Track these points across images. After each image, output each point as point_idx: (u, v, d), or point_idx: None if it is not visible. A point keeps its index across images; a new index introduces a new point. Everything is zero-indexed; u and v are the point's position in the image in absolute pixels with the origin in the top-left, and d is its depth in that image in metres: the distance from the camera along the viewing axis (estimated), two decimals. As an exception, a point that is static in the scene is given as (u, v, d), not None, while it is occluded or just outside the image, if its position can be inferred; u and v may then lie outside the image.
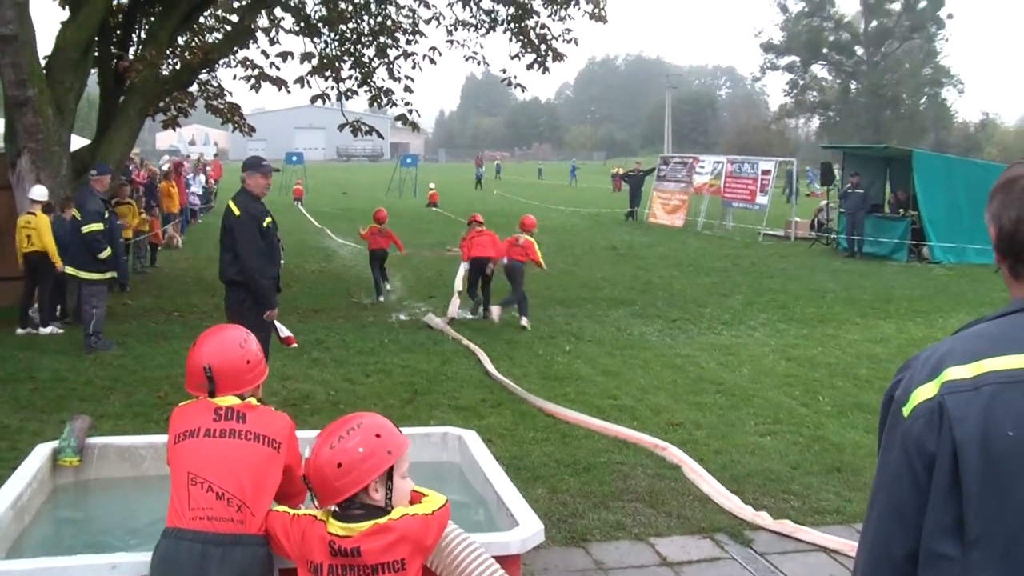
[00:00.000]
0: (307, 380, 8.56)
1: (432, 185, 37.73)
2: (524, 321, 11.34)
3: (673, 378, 8.95)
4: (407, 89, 14.22)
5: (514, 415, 7.48)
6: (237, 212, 6.72)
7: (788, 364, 9.66)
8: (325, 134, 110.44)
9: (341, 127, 14.19)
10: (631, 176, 30.88)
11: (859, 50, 79.32)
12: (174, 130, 13.39)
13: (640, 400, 8.12)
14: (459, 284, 12.36)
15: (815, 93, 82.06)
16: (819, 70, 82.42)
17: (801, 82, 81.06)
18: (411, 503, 2.71)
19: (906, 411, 1.48)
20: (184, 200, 20.67)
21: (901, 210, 20.50)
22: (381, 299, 13.31)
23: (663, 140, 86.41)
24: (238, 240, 6.68)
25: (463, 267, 12.19)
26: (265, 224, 6.81)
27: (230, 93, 14.40)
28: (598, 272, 16.80)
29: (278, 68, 13.09)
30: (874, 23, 77.14)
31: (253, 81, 12.36)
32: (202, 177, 25.28)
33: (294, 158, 42.85)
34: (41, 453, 3.92)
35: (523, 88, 15.42)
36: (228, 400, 3.07)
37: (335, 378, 8.68)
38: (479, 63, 15.03)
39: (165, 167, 20.82)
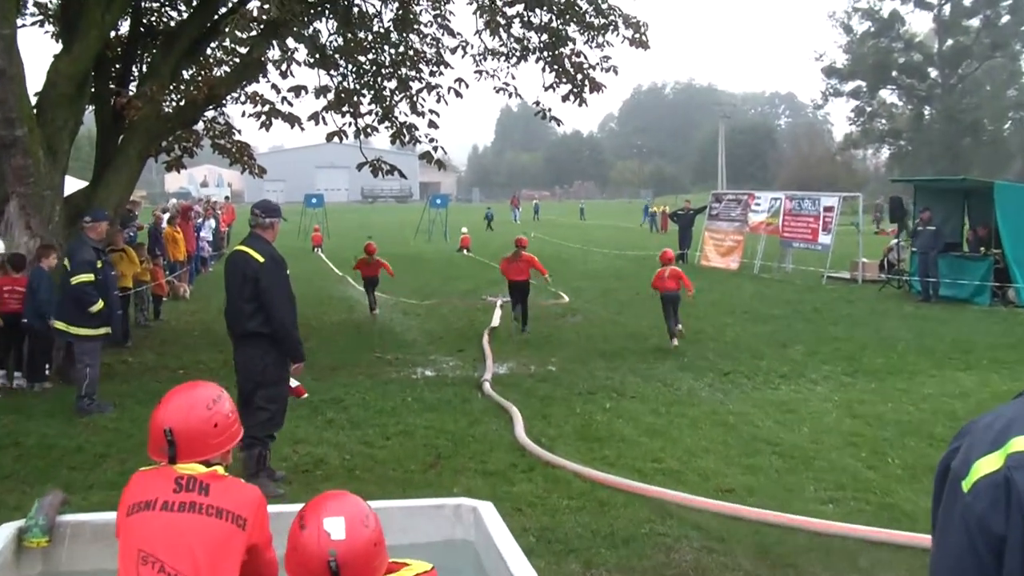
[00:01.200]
0: (321, 443, 8.56)
1: (464, 229, 38.00)
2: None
3: (724, 438, 8.84)
4: (432, 124, 14.35)
5: (547, 481, 7.42)
6: (261, 259, 6.88)
7: (854, 422, 9.50)
8: (348, 173, 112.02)
9: (360, 166, 14.31)
10: (680, 215, 30.86)
11: (933, 72, 78.31)
12: (178, 172, 13.60)
13: (687, 463, 8.02)
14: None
15: (884, 120, 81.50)
16: (888, 95, 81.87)
17: (868, 109, 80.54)
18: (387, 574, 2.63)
19: (966, 485, 1.39)
20: (192, 247, 20.95)
21: (982, 248, 20.15)
22: (376, 312, 17.68)
23: (716, 175, 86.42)
24: (268, 289, 6.84)
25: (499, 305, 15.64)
26: (288, 272, 7.06)
27: (238, 131, 14.62)
28: (644, 320, 16.70)
29: (291, 104, 13.29)
30: (949, 42, 75.96)
31: (263, 118, 12.51)
32: (212, 222, 25.62)
33: (313, 200, 43.39)
34: (4, 534, 3.69)
35: (558, 122, 15.49)
36: (191, 468, 2.98)
37: (351, 441, 8.67)
38: (510, 95, 15.14)
39: (168, 212, 21.19)
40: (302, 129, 13.06)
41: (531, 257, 15.59)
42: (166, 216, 20.76)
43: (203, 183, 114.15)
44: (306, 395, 7.76)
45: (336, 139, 13.42)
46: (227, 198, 41.60)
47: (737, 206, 28.59)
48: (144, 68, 12.66)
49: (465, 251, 34.50)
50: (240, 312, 6.96)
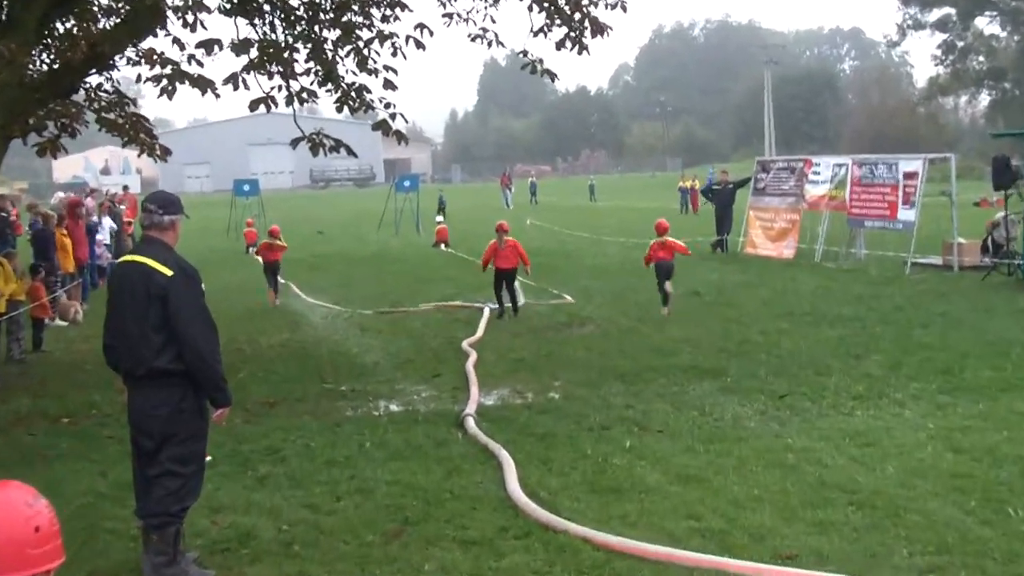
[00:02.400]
0: (249, 510, 8.46)
1: (440, 218, 37.98)
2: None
3: (782, 484, 8.71)
4: (388, 85, 14.14)
5: (547, 550, 7.34)
6: (167, 271, 6.74)
7: (956, 458, 9.37)
8: (294, 153, 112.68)
9: (295, 143, 14.15)
10: (716, 191, 30.82)
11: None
12: (54, 156, 13.37)
13: (734, 520, 7.91)
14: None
15: (981, 58, 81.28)
16: (986, 25, 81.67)
17: (960, 44, 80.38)
18: None
19: None
20: (85, 254, 20.72)
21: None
22: (273, 298, 21.39)
23: (763, 137, 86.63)
24: (178, 312, 6.71)
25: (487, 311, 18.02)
26: (204, 287, 6.99)
27: (131, 102, 14.39)
28: (674, 329, 16.70)
29: (200, 63, 13.16)
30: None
31: (164, 83, 12.29)
32: (109, 220, 25.35)
33: (246, 187, 43.36)
34: None
35: (553, 77, 15.34)
36: None
37: (290, 504, 8.58)
38: (490, 44, 14.96)
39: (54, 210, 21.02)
40: (216, 95, 12.79)
41: (516, 243, 18.77)
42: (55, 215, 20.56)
43: (103, 170, 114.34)
44: (210, 458, 7.60)
45: (264, 108, 13.21)
46: (126, 188, 41.23)
47: (790, 176, 28.49)
48: (1, 20, 12.43)
49: (443, 246, 34.63)
50: (142, 344, 6.77)
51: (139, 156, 15.07)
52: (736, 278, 23.45)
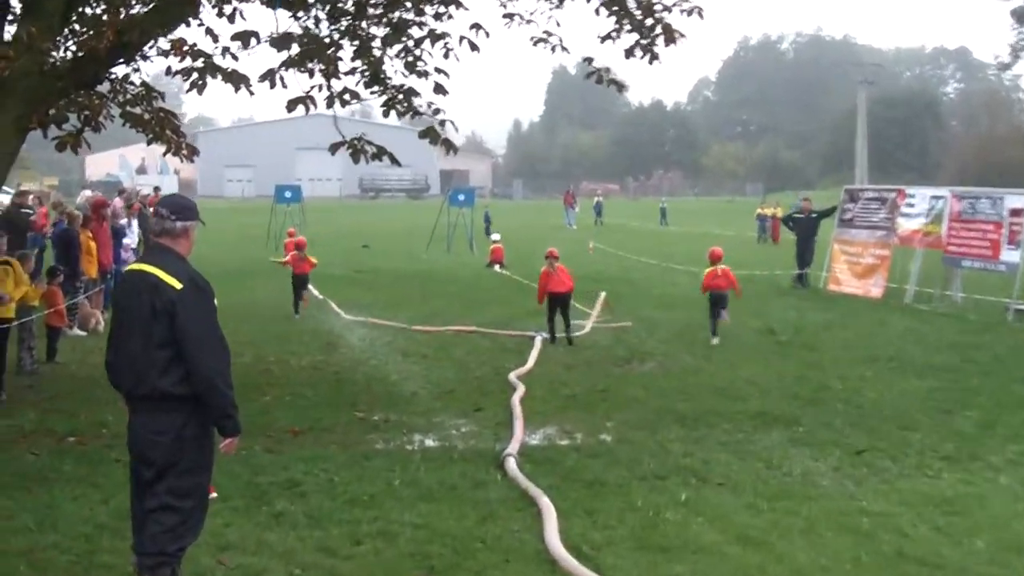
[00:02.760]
0: (260, 550, 8.37)
1: (496, 236, 37.86)
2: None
3: (855, 552, 8.52)
4: (438, 89, 14.05)
5: None
6: (177, 284, 6.67)
7: (1057, 533, 9.14)
8: (343, 159, 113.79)
9: (333, 148, 14.08)
10: (798, 220, 30.51)
11: None
12: (75, 151, 13.35)
13: (798, 591, 7.67)
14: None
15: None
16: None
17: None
18: None
19: None
20: (109, 258, 20.77)
21: None
22: (297, 317, 22.31)
23: (854, 163, 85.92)
24: (186, 329, 6.63)
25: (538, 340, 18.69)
26: (216, 302, 6.89)
27: (159, 95, 14.40)
28: (742, 371, 16.57)
29: (235, 57, 13.09)
30: None
31: (194, 76, 12.24)
32: (137, 224, 25.50)
33: (287, 194, 43.59)
34: None
35: (620, 88, 15.18)
36: None
37: (305, 547, 8.49)
38: (554, 49, 14.81)
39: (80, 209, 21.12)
40: (250, 92, 12.79)
41: (564, 269, 19.56)
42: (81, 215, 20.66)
43: (140, 168, 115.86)
44: (215, 495, 7.48)
45: (303, 109, 13.15)
46: (157, 189, 41.44)
47: (881, 207, 28.07)
48: (20, 6, 12.49)
49: (497, 267, 34.55)
50: (146, 363, 6.69)
51: (164, 155, 15.09)
52: (816, 317, 23.15)
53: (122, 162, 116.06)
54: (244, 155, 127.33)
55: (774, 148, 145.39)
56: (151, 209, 30.73)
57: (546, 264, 19.49)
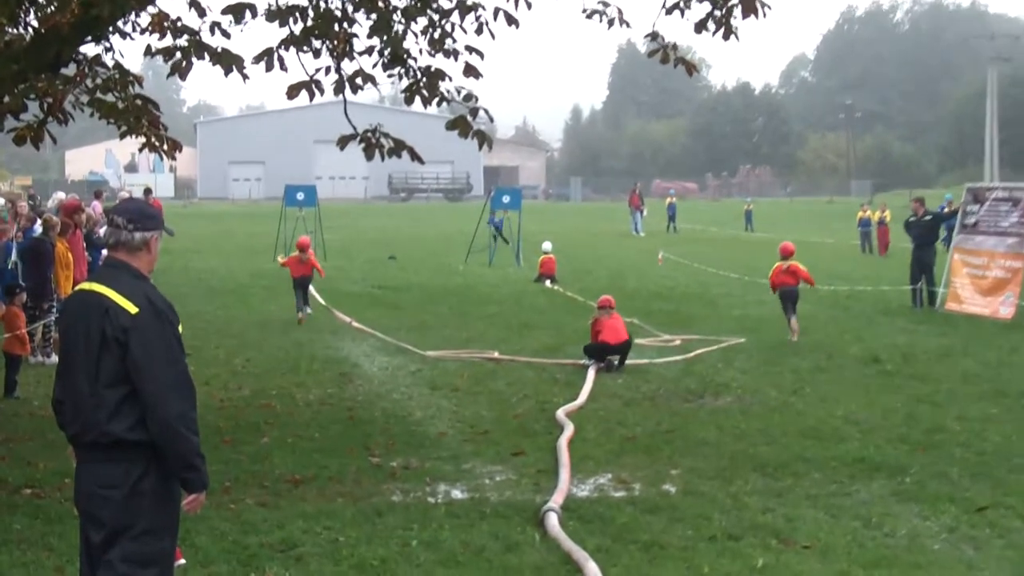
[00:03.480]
0: (246, 629, 8.32)
1: (547, 246, 37.67)
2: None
3: None
4: (469, 71, 14.01)
5: None
6: (133, 308, 6.57)
7: None
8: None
9: (343, 142, 14.03)
10: (912, 223, 30.17)
11: None
12: (36, 146, 13.37)
13: None
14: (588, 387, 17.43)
15: None
16: None
17: None
18: None
19: None
20: (83, 273, 20.74)
21: None
22: (300, 315, 24.88)
23: (981, 158, 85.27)
24: (143, 362, 6.53)
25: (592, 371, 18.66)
26: (180, 329, 6.79)
27: (135, 81, 14.38)
28: (839, 407, 16.41)
29: (227, 34, 13.03)
30: None
31: (177, 56, 12.19)
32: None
33: (299, 195, 43.63)
34: None
35: (691, 69, 15.00)
36: None
37: None
38: (611, 23, 14.68)
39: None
40: (244, 76, 12.73)
41: (619, 316, 20.05)
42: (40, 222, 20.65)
43: (129, 165, 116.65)
44: (183, 562, 7.34)
45: (307, 96, 13.13)
46: (148, 191, 41.47)
47: (1013, 209, 27.68)
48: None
49: (548, 282, 34.49)
50: (93, 402, 6.59)
51: (140, 151, 15.11)
52: (931, 342, 22.90)
53: (108, 158, 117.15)
54: (253, 149, 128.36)
55: (884, 139, 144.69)
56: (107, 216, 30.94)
57: (598, 312, 20.14)
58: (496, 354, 20.69)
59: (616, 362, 19.32)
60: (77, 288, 7.25)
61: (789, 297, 22.49)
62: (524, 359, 20.39)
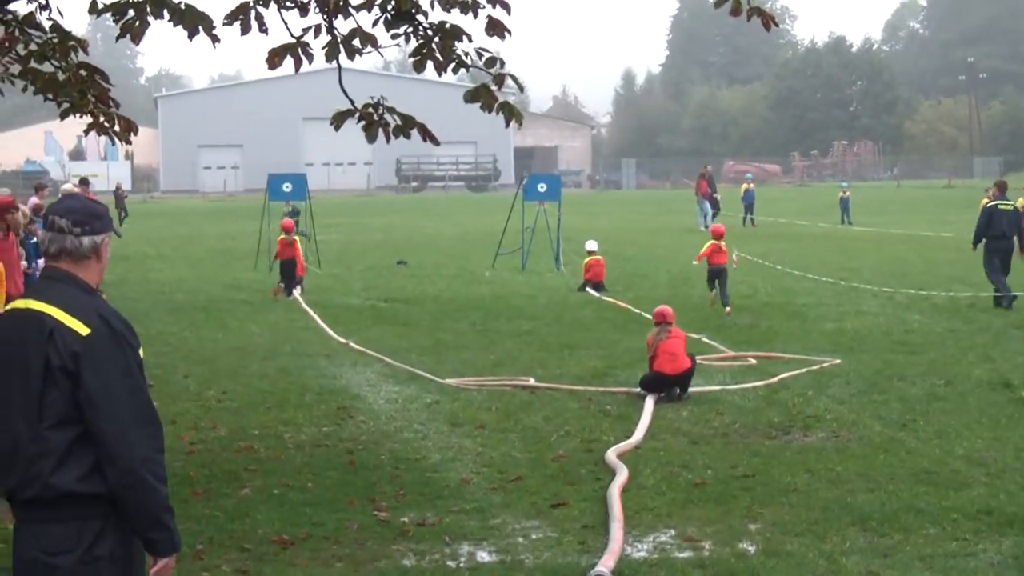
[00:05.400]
0: None
1: (592, 245, 37.62)
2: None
3: None
4: (493, 28, 14.00)
5: None
6: (84, 329, 6.53)
7: None
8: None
9: (337, 120, 14.08)
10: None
11: None
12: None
13: None
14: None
15: None
16: None
17: None
18: None
19: None
20: (18, 286, 20.81)
21: None
22: (295, 294, 30.21)
23: None
24: (98, 394, 6.50)
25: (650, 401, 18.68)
26: (142, 354, 6.76)
27: (77, 45, 14.46)
28: (960, 444, 16.26)
29: (193, -11, 13.06)
30: None
31: (130, 15, 12.24)
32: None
33: (286, 186, 43.60)
34: None
35: (769, 23, 14.90)
36: None
37: None
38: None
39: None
40: (213, 39, 12.80)
41: (681, 333, 20.38)
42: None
43: (74, 152, 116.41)
44: None
45: (292, 63, 13.19)
46: (84, 181, 41.19)
47: None
48: None
49: (592, 290, 34.61)
50: (35, 449, 6.55)
51: (86, 134, 15.18)
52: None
53: (49, 143, 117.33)
54: (228, 130, 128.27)
55: (1016, 106, 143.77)
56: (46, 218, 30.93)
57: (654, 331, 19.99)
58: (532, 381, 20.72)
59: (677, 392, 19.26)
60: (9, 306, 7.11)
61: (719, 274, 30.08)
62: (567, 387, 20.34)
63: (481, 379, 21.02)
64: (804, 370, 21.34)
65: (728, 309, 28.92)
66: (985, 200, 53.58)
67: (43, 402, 6.50)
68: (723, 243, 30.68)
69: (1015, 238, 30.99)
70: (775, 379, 20.60)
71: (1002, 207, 31.46)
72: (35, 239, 22.90)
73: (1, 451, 6.67)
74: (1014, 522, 12.71)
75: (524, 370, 21.89)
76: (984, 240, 31.37)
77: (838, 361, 22.26)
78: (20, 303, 6.83)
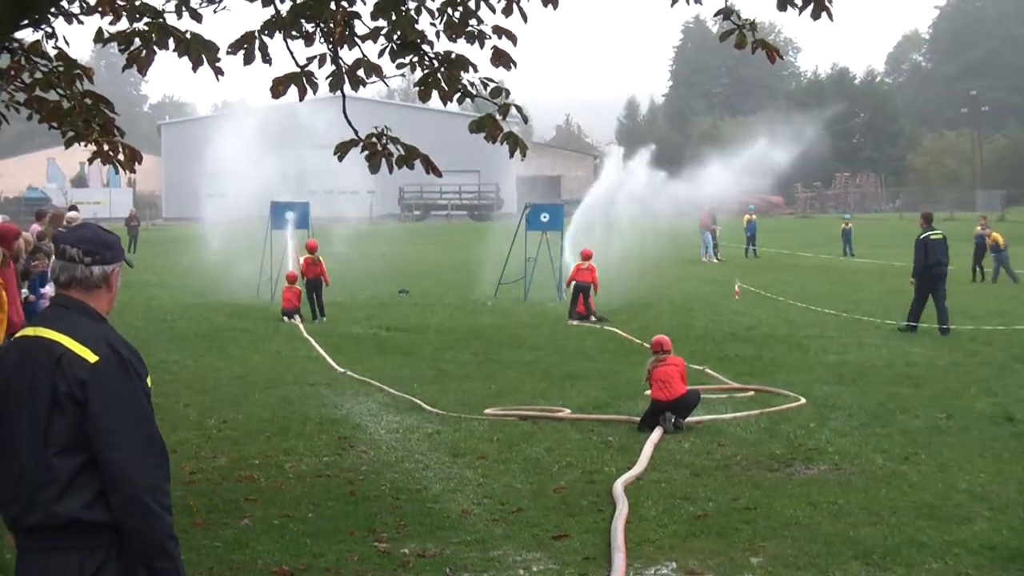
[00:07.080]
0: None
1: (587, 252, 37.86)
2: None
3: None
4: (499, 59, 14.02)
5: None
6: (92, 357, 6.52)
7: None
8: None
9: (341, 151, 14.06)
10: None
11: None
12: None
13: None
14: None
15: None
16: None
17: None
18: None
19: None
20: (19, 316, 20.76)
21: None
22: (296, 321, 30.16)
23: None
24: (102, 422, 6.49)
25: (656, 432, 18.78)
26: (150, 382, 6.71)
27: (83, 74, 14.42)
28: (963, 478, 16.25)
29: (197, 17, 13.05)
30: None
31: (136, 44, 12.24)
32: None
33: (288, 213, 43.64)
34: None
35: (773, 55, 14.92)
36: None
37: None
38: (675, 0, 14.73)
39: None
40: (217, 71, 12.78)
41: (680, 361, 20.28)
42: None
43: (76, 179, 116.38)
44: None
45: (296, 93, 13.17)
46: (73, 208, 40.98)
47: None
48: None
49: (593, 319, 34.76)
50: (40, 476, 6.53)
51: (90, 162, 15.16)
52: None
53: (51, 170, 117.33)
54: (231, 157, 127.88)
55: (1019, 139, 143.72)
56: (54, 245, 30.79)
57: (651, 359, 20.23)
58: (567, 412, 20.78)
59: (671, 420, 19.08)
60: (20, 334, 7.08)
61: (583, 289, 34.61)
62: (594, 416, 20.44)
63: (517, 409, 21.03)
64: (802, 403, 21.31)
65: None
66: (978, 228, 53.87)
67: (50, 429, 6.49)
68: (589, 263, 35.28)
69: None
70: (772, 409, 20.73)
71: (934, 237, 33.79)
72: (39, 269, 22.78)
73: (7, 477, 6.65)
74: (1017, 557, 12.71)
75: (528, 400, 21.95)
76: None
77: (802, 401, 21.84)
78: (30, 330, 6.83)
